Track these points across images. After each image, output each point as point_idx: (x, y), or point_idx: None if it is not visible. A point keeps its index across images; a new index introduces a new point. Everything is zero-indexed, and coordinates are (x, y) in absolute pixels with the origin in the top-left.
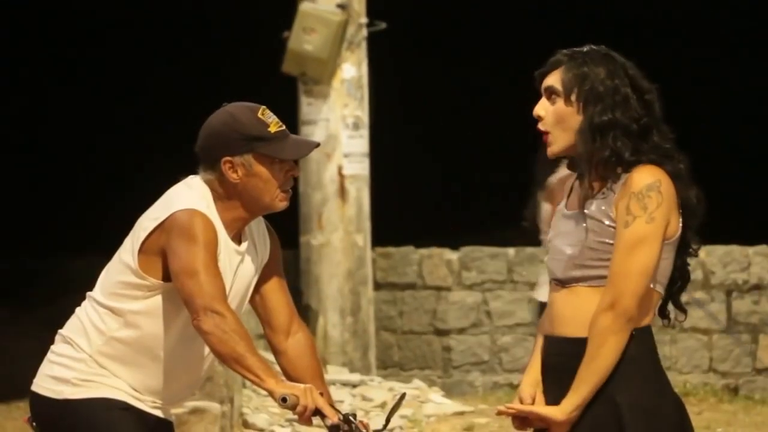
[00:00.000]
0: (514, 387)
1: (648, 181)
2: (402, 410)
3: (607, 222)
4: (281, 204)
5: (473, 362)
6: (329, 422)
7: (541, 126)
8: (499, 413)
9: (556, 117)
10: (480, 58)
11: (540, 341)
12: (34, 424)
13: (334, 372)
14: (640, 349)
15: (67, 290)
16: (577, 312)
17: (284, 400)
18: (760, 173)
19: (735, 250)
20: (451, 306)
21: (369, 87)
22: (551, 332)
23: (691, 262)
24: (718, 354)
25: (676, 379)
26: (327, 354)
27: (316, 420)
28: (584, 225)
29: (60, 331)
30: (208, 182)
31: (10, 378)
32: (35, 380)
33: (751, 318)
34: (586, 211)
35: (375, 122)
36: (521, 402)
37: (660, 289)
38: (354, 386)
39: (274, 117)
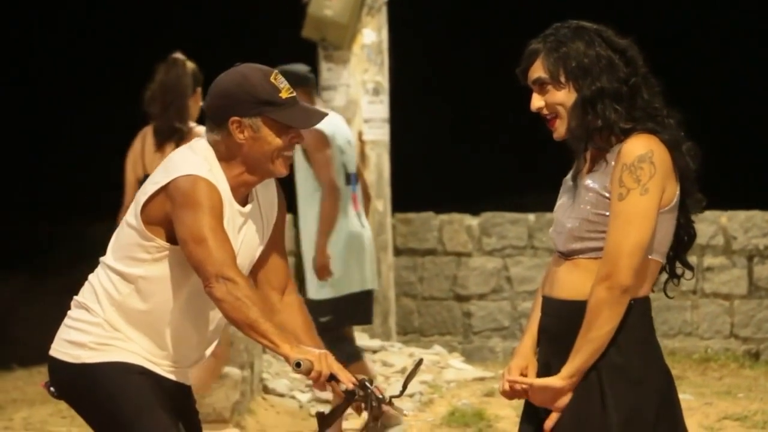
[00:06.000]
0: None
1: (640, 151)
2: (422, 376)
3: (604, 194)
4: (283, 170)
5: (493, 328)
6: (344, 387)
7: (544, 112)
8: (505, 391)
9: (554, 103)
10: (501, 22)
11: (539, 303)
12: (51, 389)
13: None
14: (634, 319)
15: (86, 256)
16: (575, 278)
17: (298, 365)
18: None
19: (757, 215)
20: (471, 272)
21: (389, 52)
22: (550, 294)
23: (713, 227)
24: (740, 319)
25: (697, 345)
26: None
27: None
28: (583, 197)
29: (75, 297)
30: (213, 143)
31: (31, 343)
32: (53, 345)
33: None
34: (585, 183)
35: (395, 87)
36: (510, 371)
37: (659, 257)
38: (374, 352)
39: (286, 83)
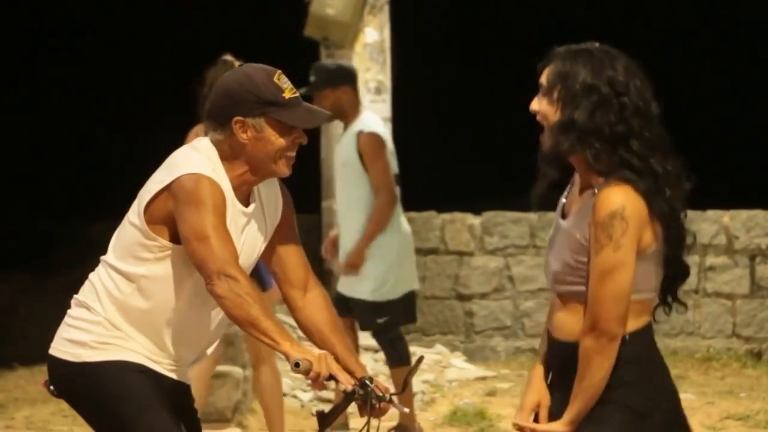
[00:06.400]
0: (536, 352)
1: (611, 208)
2: (424, 375)
3: (583, 242)
4: (285, 170)
5: (495, 327)
6: (342, 387)
7: (538, 118)
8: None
9: (543, 114)
10: (503, 21)
11: (545, 336)
12: (51, 387)
13: None
14: (635, 353)
15: (87, 255)
16: (570, 320)
17: (297, 365)
18: None
19: (759, 214)
20: (473, 271)
21: (391, 51)
22: (550, 331)
23: (715, 227)
24: (742, 319)
25: (699, 344)
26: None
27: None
28: (565, 242)
29: (75, 296)
30: (216, 143)
31: (32, 342)
32: (53, 344)
33: None
34: (567, 227)
35: (397, 86)
36: (523, 409)
37: (648, 295)
38: (376, 351)
39: (289, 83)
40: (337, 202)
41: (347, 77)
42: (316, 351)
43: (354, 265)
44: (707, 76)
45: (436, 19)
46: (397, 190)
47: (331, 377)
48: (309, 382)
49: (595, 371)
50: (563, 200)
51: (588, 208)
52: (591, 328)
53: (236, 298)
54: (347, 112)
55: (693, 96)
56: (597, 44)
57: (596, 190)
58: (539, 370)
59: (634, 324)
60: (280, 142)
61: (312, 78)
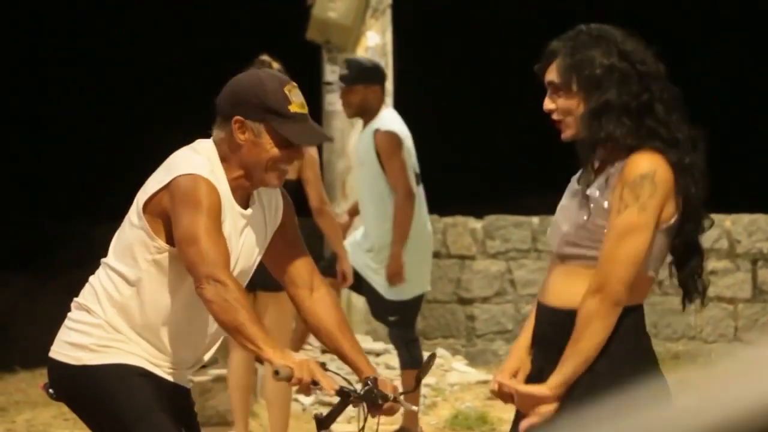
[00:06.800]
0: None
1: (643, 170)
2: (425, 379)
3: (605, 205)
4: (275, 182)
5: (497, 331)
6: (325, 392)
7: (554, 116)
8: (494, 391)
9: (564, 109)
10: (505, 24)
11: (535, 308)
12: (50, 390)
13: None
14: (627, 328)
15: (89, 257)
16: (567, 286)
17: (277, 372)
18: None
19: (761, 218)
20: (475, 275)
21: (393, 54)
22: (543, 300)
23: (716, 231)
24: (744, 323)
25: (701, 349)
26: (351, 323)
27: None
28: (583, 204)
29: (75, 299)
30: (218, 141)
31: (33, 345)
32: (53, 347)
33: None
34: (588, 191)
35: (399, 90)
36: (502, 372)
37: (651, 272)
38: (378, 355)
39: (301, 98)
40: (358, 198)
41: (380, 77)
42: (298, 358)
43: (396, 274)
44: (707, 78)
45: (438, 22)
46: (420, 189)
47: (314, 383)
48: (296, 387)
49: (593, 335)
50: (577, 177)
51: (614, 174)
52: (597, 289)
53: (223, 302)
54: (372, 111)
55: (693, 98)
56: (584, 26)
57: (625, 161)
58: (524, 339)
59: (631, 300)
60: (275, 151)
61: (345, 71)
